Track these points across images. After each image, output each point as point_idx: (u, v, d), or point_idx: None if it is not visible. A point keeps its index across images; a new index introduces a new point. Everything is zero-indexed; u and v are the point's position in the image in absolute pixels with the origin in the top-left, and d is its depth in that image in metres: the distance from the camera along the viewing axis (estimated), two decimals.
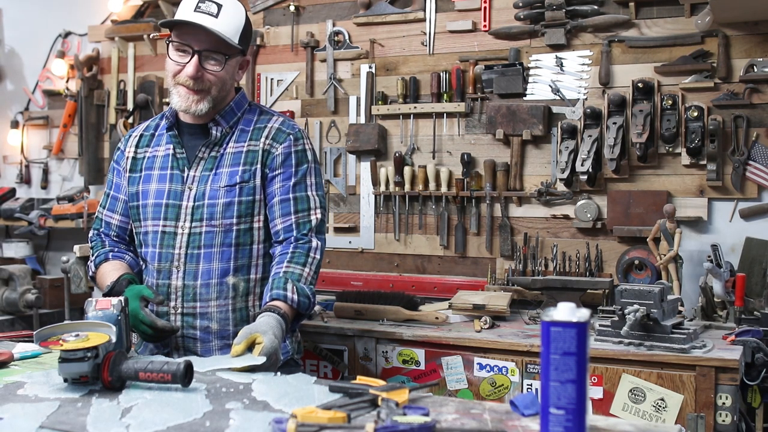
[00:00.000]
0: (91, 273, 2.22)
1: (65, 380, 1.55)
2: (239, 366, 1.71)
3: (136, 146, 2.23)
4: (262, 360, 1.73)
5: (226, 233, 2.08)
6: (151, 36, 4.02)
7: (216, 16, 2.01)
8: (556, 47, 3.18)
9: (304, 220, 2.12)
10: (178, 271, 2.09)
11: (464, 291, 3.03)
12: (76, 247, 3.50)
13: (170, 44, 2.06)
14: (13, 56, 4.56)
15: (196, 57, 2.03)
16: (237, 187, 2.09)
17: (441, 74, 3.35)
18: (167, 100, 3.95)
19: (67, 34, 4.34)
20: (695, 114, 2.91)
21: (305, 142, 2.18)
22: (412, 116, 3.41)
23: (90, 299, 1.79)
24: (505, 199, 3.24)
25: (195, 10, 2.01)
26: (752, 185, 2.91)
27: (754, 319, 2.55)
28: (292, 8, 3.64)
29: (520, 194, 3.21)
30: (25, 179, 4.48)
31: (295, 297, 2.00)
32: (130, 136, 2.28)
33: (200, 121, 2.14)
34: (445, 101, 3.34)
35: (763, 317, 2.52)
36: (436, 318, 2.78)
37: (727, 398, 2.22)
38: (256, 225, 2.12)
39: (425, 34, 3.42)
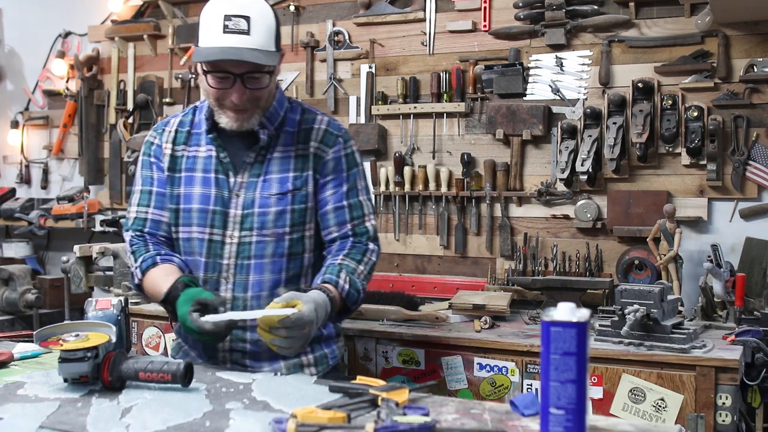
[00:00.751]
0: (136, 281, 1.99)
1: (65, 380, 1.55)
2: (270, 315, 1.64)
3: (173, 142, 2.05)
4: (290, 311, 1.64)
5: (278, 242, 1.97)
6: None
7: (248, 33, 1.81)
8: (556, 47, 3.18)
9: (360, 227, 2.03)
10: (227, 282, 1.96)
11: (464, 291, 3.03)
12: (76, 247, 3.50)
13: (207, 74, 1.87)
14: (13, 56, 4.56)
15: (239, 82, 1.85)
16: (289, 194, 1.97)
17: (441, 74, 3.35)
18: (167, 99, 3.99)
19: (67, 34, 4.34)
20: (695, 114, 2.91)
21: (352, 144, 2.08)
22: (412, 116, 3.41)
23: (90, 299, 1.79)
24: (505, 199, 3.24)
25: (224, 32, 1.81)
26: (752, 185, 2.91)
27: (754, 319, 2.55)
28: (292, 8, 3.64)
29: (520, 194, 3.21)
30: (25, 179, 4.48)
31: (347, 286, 1.90)
32: (163, 131, 2.08)
33: None
34: (445, 101, 3.34)
35: (763, 317, 2.52)
36: (436, 318, 2.78)
37: (727, 398, 2.22)
38: (307, 233, 2.01)
39: (425, 34, 3.42)
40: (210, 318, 1.68)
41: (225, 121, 1.92)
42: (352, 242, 2.02)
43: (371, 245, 2.04)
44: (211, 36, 1.83)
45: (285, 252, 1.98)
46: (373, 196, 1.96)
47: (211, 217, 1.97)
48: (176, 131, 2.06)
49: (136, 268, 1.98)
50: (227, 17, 1.81)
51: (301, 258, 2.01)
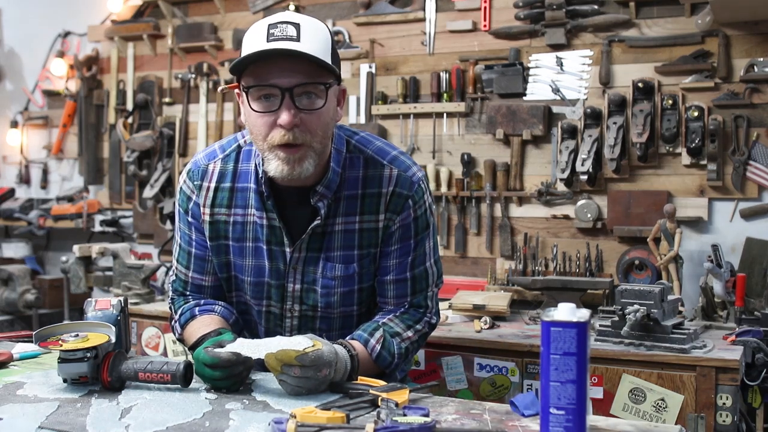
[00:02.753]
0: (177, 336, 1.83)
1: (65, 380, 1.54)
2: (287, 349, 1.44)
3: (213, 205, 1.76)
4: (310, 347, 1.44)
5: (345, 319, 1.79)
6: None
7: (297, 39, 1.53)
8: (556, 47, 3.18)
9: (418, 298, 1.81)
10: None
11: (464, 291, 3.02)
12: (75, 247, 3.50)
13: (248, 93, 1.58)
14: (12, 56, 4.56)
15: (287, 99, 1.55)
16: (356, 275, 1.75)
17: (441, 74, 3.35)
18: (167, 99, 3.99)
19: (67, 33, 4.33)
20: (695, 114, 2.90)
21: (425, 198, 1.76)
22: (412, 116, 3.41)
23: (89, 299, 1.79)
24: (505, 199, 3.24)
25: (269, 40, 1.53)
26: (752, 185, 2.91)
27: (755, 320, 2.55)
28: (291, 8, 3.64)
29: (520, 194, 3.21)
30: (25, 179, 4.48)
31: (378, 347, 1.68)
32: (200, 187, 1.76)
33: (295, 183, 1.68)
34: (445, 101, 3.34)
35: (764, 317, 2.52)
36: None
37: (727, 398, 2.22)
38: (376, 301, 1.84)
39: (425, 33, 3.42)
40: (224, 349, 1.49)
41: (274, 166, 1.59)
42: (409, 307, 1.81)
43: (427, 316, 1.83)
44: (253, 46, 1.55)
45: (353, 324, 1.80)
46: (440, 253, 1.73)
47: (266, 290, 1.78)
48: (216, 189, 1.75)
49: (175, 322, 1.83)
50: (272, 25, 1.55)
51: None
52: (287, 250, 1.72)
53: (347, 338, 1.69)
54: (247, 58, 1.53)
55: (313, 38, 1.56)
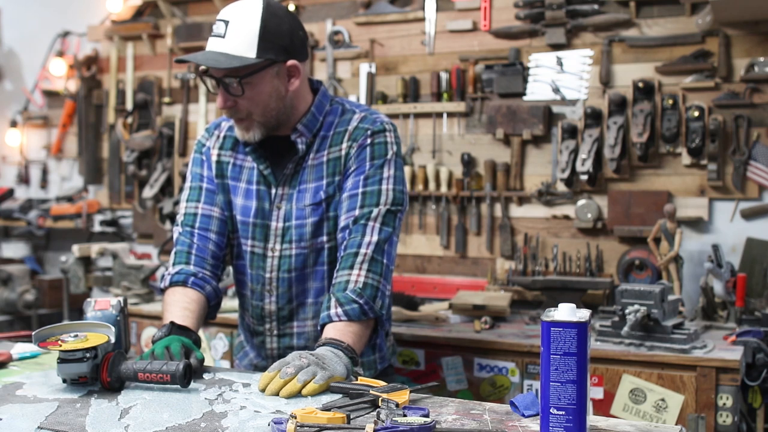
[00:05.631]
0: (162, 285, 1.92)
1: (64, 381, 1.54)
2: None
3: (221, 148, 2.01)
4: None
5: (318, 253, 1.92)
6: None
7: (223, 36, 1.79)
8: (556, 47, 3.18)
9: (364, 213, 1.86)
10: (270, 295, 1.95)
11: (464, 291, 3.02)
12: (74, 247, 3.50)
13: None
14: (12, 56, 4.56)
15: (221, 86, 1.83)
16: (323, 203, 1.90)
17: (441, 74, 3.35)
18: (166, 99, 3.99)
19: (66, 33, 4.33)
20: (696, 114, 2.90)
21: (386, 135, 1.93)
22: (412, 116, 3.41)
23: (89, 299, 1.78)
24: (506, 199, 3.24)
25: (210, 36, 1.83)
26: (753, 185, 2.91)
27: (755, 320, 2.55)
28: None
29: (520, 194, 3.21)
30: (24, 179, 4.48)
31: (339, 310, 1.76)
32: (212, 134, 2.04)
33: (282, 133, 1.92)
34: (445, 101, 3.33)
35: (764, 317, 2.52)
36: (436, 318, 2.78)
37: (727, 399, 2.22)
38: None
39: (425, 33, 3.41)
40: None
41: (235, 129, 1.91)
42: (344, 241, 1.85)
43: (367, 235, 1.83)
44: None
45: (326, 260, 1.93)
46: (406, 188, 1.84)
47: (252, 229, 1.94)
48: (225, 136, 2.01)
49: (167, 274, 1.91)
50: (216, 21, 1.83)
51: None
52: (272, 191, 1.94)
53: (321, 332, 1.76)
54: (189, 57, 1.84)
55: (239, 34, 1.79)
